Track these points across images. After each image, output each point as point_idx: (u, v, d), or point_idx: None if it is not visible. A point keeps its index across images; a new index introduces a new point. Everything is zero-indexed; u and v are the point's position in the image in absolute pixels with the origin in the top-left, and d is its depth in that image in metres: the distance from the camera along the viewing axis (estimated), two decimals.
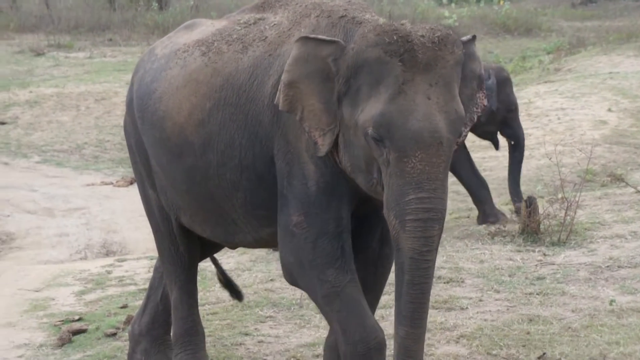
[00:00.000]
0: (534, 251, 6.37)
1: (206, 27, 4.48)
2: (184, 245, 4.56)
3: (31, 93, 15.01)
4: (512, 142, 7.63)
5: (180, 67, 4.32)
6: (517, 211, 7.25)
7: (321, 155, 3.84)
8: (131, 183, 9.95)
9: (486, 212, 7.27)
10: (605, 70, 15.27)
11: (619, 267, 5.92)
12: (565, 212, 6.65)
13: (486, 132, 7.61)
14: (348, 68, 3.75)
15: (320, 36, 3.83)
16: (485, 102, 5.03)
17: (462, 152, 7.23)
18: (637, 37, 17.31)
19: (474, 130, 4.13)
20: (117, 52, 19.53)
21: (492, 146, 7.89)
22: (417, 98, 3.59)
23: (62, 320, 5.60)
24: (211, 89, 4.19)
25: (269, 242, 4.27)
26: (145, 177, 4.56)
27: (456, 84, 3.75)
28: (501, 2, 21.51)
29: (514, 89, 7.92)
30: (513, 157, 7.73)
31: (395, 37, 3.63)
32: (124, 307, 5.72)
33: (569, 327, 4.88)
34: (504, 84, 7.45)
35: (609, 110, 12.52)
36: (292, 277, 4.07)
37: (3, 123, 13.88)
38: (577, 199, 6.74)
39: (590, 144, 10.61)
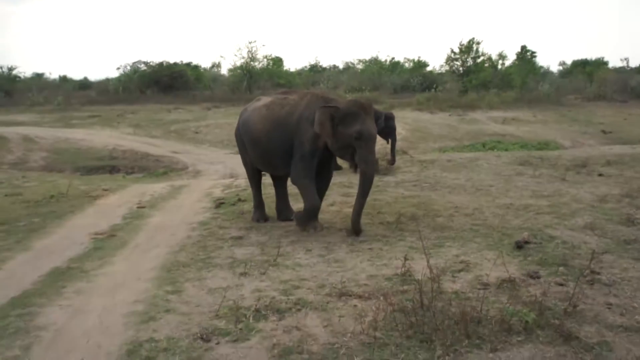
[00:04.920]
0: (383, 179, 8.17)
1: (265, 100, 5.66)
2: (256, 173, 5.84)
3: (206, 123, 19.01)
4: (390, 140, 9.42)
5: (257, 115, 5.36)
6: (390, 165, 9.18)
7: (330, 147, 4.58)
8: None
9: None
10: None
11: (405, 183, 7.98)
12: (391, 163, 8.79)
13: (382, 135, 9.09)
14: (343, 114, 4.65)
15: (329, 105, 4.75)
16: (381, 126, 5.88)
17: None
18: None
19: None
20: (234, 109, 21.00)
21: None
22: (367, 123, 4.59)
23: (216, 199, 7.43)
24: (270, 122, 5.12)
25: (288, 174, 5.33)
26: (244, 151, 5.82)
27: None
28: None
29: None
30: (392, 145, 9.47)
31: (359, 103, 4.72)
32: (237, 195, 7.57)
33: (389, 202, 6.57)
34: (390, 119, 9.17)
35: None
36: (294, 181, 5.09)
37: (197, 132, 17.85)
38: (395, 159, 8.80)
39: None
